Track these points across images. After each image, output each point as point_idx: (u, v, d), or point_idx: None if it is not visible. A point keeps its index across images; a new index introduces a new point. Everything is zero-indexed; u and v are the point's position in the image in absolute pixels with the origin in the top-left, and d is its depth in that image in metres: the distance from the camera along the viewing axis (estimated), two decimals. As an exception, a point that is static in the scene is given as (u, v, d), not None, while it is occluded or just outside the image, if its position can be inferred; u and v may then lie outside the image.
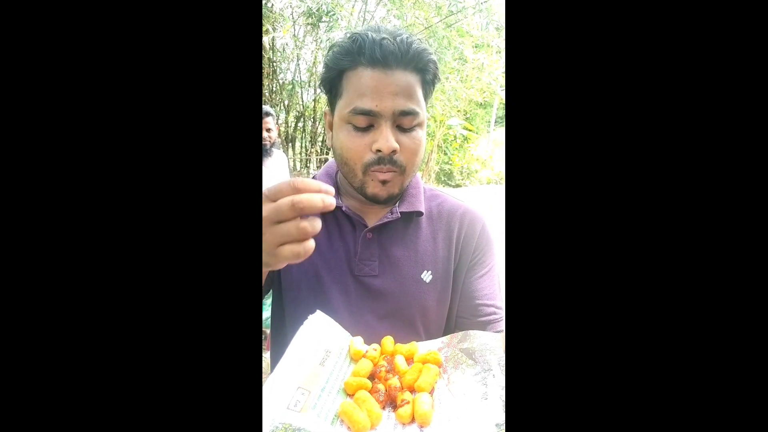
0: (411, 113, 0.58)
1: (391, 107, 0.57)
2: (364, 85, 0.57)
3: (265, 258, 0.40)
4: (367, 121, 0.58)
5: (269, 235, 0.39)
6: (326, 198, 0.38)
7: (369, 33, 0.57)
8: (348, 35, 0.59)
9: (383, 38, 0.56)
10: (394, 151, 0.58)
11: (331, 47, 0.61)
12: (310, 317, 0.54)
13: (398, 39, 0.56)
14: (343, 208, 0.66)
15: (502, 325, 0.68)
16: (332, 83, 0.62)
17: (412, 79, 0.58)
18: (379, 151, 0.58)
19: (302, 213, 0.38)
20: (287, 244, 0.39)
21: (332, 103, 0.63)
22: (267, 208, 0.39)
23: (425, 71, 0.60)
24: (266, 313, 2.42)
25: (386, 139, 0.57)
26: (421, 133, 0.61)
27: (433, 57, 0.60)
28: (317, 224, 0.39)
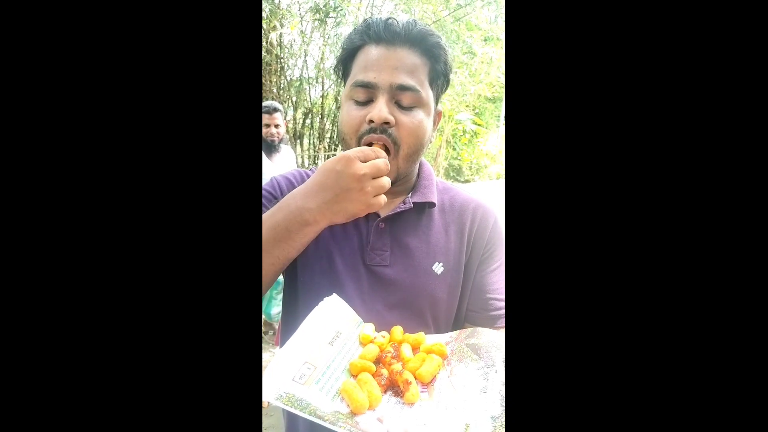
0: (410, 89, 0.58)
1: (389, 80, 0.57)
2: (368, 60, 0.59)
3: (355, 208, 0.51)
4: (366, 94, 0.58)
5: (371, 187, 0.49)
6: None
7: (380, 17, 0.60)
8: (364, 21, 0.62)
9: (389, 18, 0.59)
10: (387, 123, 0.57)
11: (349, 34, 0.64)
12: (326, 299, 0.55)
13: (405, 20, 0.59)
14: None
15: None
16: (345, 63, 0.64)
17: (417, 60, 0.59)
18: (371, 121, 0.57)
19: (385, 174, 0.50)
20: (379, 195, 0.51)
21: (345, 84, 0.65)
22: (367, 166, 0.49)
23: (434, 57, 0.60)
24: (277, 308, 2.45)
25: (379, 110, 0.57)
26: (421, 115, 0.60)
27: (440, 41, 0.60)
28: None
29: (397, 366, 0.50)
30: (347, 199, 0.50)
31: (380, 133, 0.58)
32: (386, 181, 0.50)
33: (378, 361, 0.53)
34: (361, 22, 0.63)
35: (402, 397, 0.47)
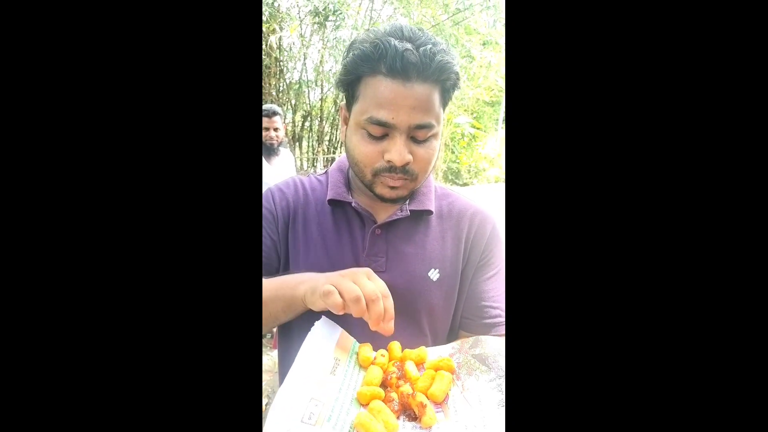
0: (426, 126, 0.57)
1: (407, 121, 0.56)
2: (382, 96, 0.55)
3: (335, 278, 0.50)
4: (381, 131, 0.57)
5: (340, 283, 0.48)
6: (384, 328, 0.49)
7: (392, 41, 0.55)
8: (370, 39, 0.57)
9: (406, 49, 0.54)
10: (406, 163, 0.58)
11: (350, 48, 0.60)
12: (316, 324, 0.52)
13: (421, 50, 0.54)
14: (353, 204, 0.66)
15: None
16: (350, 85, 0.61)
17: (431, 91, 0.56)
18: (390, 161, 0.58)
19: (365, 312, 0.48)
20: (355, 286, 0.48)
21: (349, 102, 0.63)
22: (363, 282, 0.49)
23: (446, 79, 0.59)
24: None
25: (399, 152, 0.57)
26: (435, 143, 0.61)
27: (456, 69, 0.59)
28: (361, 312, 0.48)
29: (406, 388, 0.48)
30: (315, 279, 0.53)
31: (399, 172, 0.59)
32: (356, 292, 0.48)
33: (384, 384, 0.51)
34: (369, 41, 0.57)
35: (419, 421, 0.45)
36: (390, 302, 0.49)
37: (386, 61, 0.54)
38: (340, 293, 0.47)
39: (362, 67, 0.57)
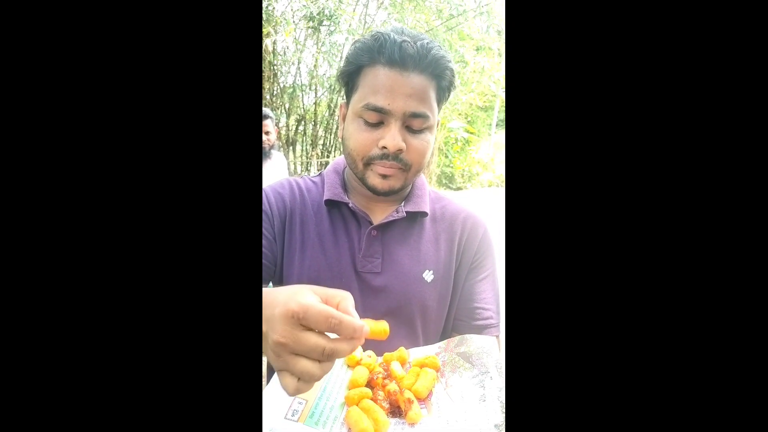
0: (421, 116, 0.59)
1: (403, 108, 0.58)
2: (380, 83, 0.58)
3: (271, 356, 0.34)
4: (377, 118, 0.59)
5: (284, 362, 0.33)
6: (358, 339, 0.34)
7: (391, 33, 0.58)
8: (372, 33, 0.60)
9: (404, 40, 0.57)
10: (399, 150, 0.59)
11: (354, 43, 0.63)
12: None
13: (419, 43, 0.57)
14: (350, 205, 0.67)
15: (498, 330, 0.68)
16: (350, 77, 0.63)
17: (426, 83, 0.59)
18: (384, 148, 0.59)
19: (336, 326, 0.33)
20: (306, 359, 0.33)
21: (348, 96, 0.65)
22: (294, 339, 0.33)
23: (441, 77, 0.61)
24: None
25: (393, 137, 0.58)
26: (429, 136, 0.62)
27: (451, 65, 0.61)
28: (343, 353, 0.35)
29: (393, 386, 0.48)
30: (266, 341, 0.35)
31: (392, 160, 0.60)
32: (313, 370, 0.33)
33: (370, 384, 0.51)
34: (370, 35, 0.61)
35: (405, 416, 0.45)
36: (352, 327, 0.34)
37: (385, 52, 0.57)
38: (290, 368, 0.34)
39: (362, 58, 0.59)
